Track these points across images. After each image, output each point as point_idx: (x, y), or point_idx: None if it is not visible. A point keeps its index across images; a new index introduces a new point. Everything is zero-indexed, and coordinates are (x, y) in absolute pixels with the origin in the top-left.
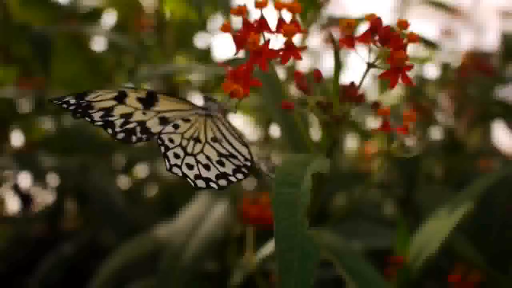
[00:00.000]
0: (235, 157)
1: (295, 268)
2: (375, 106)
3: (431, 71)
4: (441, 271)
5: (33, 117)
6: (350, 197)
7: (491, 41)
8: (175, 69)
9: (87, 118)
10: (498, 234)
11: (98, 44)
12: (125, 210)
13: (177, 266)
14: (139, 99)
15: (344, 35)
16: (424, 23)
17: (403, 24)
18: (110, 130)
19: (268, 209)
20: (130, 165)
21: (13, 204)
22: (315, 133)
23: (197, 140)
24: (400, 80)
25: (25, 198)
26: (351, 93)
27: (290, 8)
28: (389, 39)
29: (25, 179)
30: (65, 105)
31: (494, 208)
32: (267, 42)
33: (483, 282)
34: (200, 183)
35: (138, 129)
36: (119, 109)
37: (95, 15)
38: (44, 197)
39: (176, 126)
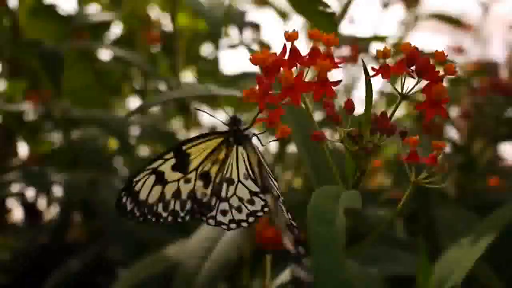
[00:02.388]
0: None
1: None
2: (403, 134)
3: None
4: None
5: (42, 130)
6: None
7: (498, 53)
8: (190, 92)
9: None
10: None
11: (106, 55)
12: (133, 226)
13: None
14: (173, 168)
15: (379, 63)
16: (432, 36)
17: (441, 56)
18: (180, 217)
19: None
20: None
21: (19, 215)
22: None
23: (230, 181)
24: (437, 113)
25: (32, 211)
26: (383, 124)
27: (327, 41)
28: (426, 71)
29: (32, 192)
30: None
31: None
32: (300, 75)
33: None
34: (233, 226)
35: (195, 206)
36: (168, 189)
37: (103, 27)
38: (51, 210)
39: (206, 176)
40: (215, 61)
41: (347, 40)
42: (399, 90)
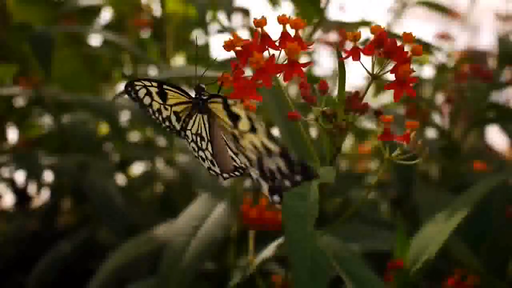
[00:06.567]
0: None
1: (307, 278)
2: (378, 113)
3: (428, 72)
4: (439, 273)
5: (31, 114)
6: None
7: (486, 41)
8: (174, 74)
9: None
10: (494, 239)
11: (95, 40)
12: (124, 209)
13: (178, 266)
14: (157, 93)
15: (350, 46)
16: (421, 24)
17: (408, 37)
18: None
19: (267, 211)
20: (126, 163)
21: (8, 200)
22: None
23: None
24: (404, 92)
25: (22, 196)
26: (356, 103)
27: (294, 25)
28: (394, 52)
29: (22, 176)
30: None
31: (491, 213)
32: (271, 58)
33: (480, 286)
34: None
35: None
36: (155, 105)
37: (93, 11)
38: (41, 194)
39: (177, 115)
40: (205, 47)
41: (334, 25)
42: (370, 71)
